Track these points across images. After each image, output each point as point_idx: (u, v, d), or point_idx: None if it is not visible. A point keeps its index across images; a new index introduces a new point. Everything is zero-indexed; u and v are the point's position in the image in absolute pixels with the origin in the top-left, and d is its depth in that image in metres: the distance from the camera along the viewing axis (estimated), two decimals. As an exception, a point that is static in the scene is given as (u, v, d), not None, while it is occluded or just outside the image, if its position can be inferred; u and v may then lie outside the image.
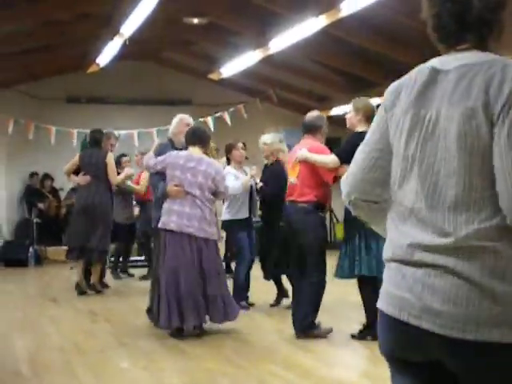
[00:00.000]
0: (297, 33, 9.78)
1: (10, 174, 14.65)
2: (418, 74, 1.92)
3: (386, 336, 1.95)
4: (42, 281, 11.03)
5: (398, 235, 1.90)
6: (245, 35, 11.83)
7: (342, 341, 6.19)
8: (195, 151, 6.45)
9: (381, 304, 1.93)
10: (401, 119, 1.91)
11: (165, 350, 5.95)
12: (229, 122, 13.21)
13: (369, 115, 6.16)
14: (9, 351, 6.03)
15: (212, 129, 13.27)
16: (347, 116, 6.50)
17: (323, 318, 6.40)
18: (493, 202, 1.73)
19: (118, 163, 9.95)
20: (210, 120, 13.69)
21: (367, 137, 2.05)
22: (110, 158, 9.16)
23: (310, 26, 9.38)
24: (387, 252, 1.94)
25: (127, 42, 10.68)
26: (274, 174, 7.81)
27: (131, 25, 9.78)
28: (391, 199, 1.97)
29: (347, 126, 6.44)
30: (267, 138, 8.02)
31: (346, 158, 6.08)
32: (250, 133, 10.86)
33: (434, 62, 1.90)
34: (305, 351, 5.83)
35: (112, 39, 10.63)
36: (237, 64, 12.44)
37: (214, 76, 13.71)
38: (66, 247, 12.93)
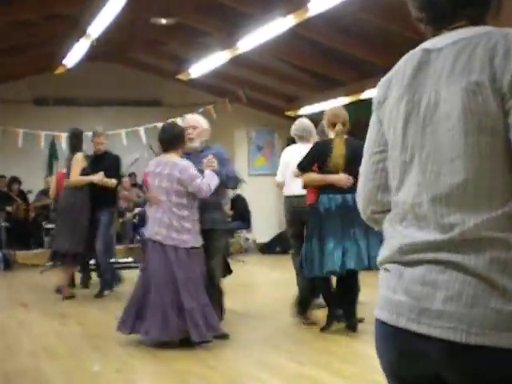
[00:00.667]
0: (265, 33, 9.78)
1: (-24, 178, 14.47)
2: (408, 59, 1.75)
3: (383, 347, 1.75)
4: (12, 285, 10.90)
5: (395, 236, 1.72)
6: (213, 35, 11.80)
7: (314, 339, 6.22)
8: (168, 155, 6.20)
9: (377, 311, 1.74)
10: (394, 109, 1.73)
11: (137, 353, 5.93)
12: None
13: (330, 122, 6.42)
14: (-22, 357, 5.97)
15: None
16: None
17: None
18: (505, 187, 1.54)
19: None
20: (179, 121, 13.64)
21: (365, 144, 1.89)
22: (77, 157, 9.16)
23: (278, 25, 9.38)
24: (383, 254, 1.76)
25: (94, 43, 10.60)
26: None
27: (98, 25, 9.70)
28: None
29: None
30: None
31: (303, 166, 6.40)
32: (219, 133, 10.84)
33: (425, 44, 1.73)
34: (277, 350, 5.84)
35: (79, 40, 10.55)
36: (205, 64, 12.41)
37: (182, 76, 13.67)
38: (35, 251, 12.95)
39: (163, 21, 11.55)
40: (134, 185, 14.69)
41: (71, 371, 5.42)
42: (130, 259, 11.95)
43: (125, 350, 6.01)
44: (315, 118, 12.72)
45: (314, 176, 6.37)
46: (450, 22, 1.70)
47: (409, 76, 1.71)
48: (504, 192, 1.54)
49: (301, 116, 15.35)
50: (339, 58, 12.16)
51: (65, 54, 11.64)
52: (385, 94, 1.79)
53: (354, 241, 6.09)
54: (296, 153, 6.97)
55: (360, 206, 1.91)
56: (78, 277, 9.95)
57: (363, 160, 1.88)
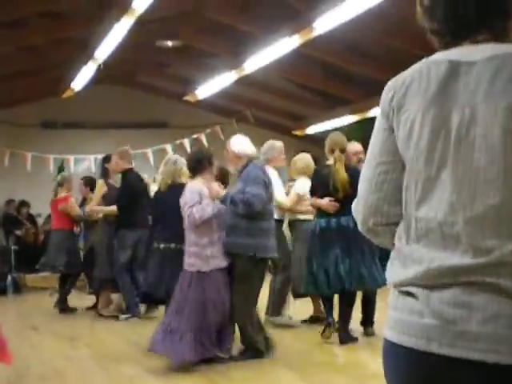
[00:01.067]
0: (271, 53, 9.85)
1: (-15, 201, 14.54)
2: (429, 67, 1.64)
3: (407, 375, 1.63)
4: (22, 308, 10.91)
5: (416, 256, 1.61)
6: (219, 56, 11.89)
7: (329, 359, 6.19)
8: (193, 181, 6.27)
9: (396, 337, 1.63)
10: (417, 121, 1.62)
11: (147, 374, 5.90)
12: (205, 144, 13.22)
13: (330, 148, 6.83)
14: (-11, 380, 5.96)
15: (189, 151, 13.28)
16: None
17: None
18: None
19: None
20: (186, 142, 13.72)
21: (369, 151, 1.77)
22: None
23: (283, 45, 9.45)
24: (400, 275, 1.64)
25: (101, 67, 10.69)
26: None
27: (105, 49, 9.79)
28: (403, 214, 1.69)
29: None
30: None
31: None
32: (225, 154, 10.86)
33: (449, 55, 1.64)
34: (289, 370, 5.80)
35: (86, 64, 10.64)
36: (212, 85, 12.48)
37: (189, 98, 13.75)
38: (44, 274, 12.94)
39: (169, 43, 11.65)
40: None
41: (81, 393, 5.40)
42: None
43: (135, 371, 5.99)
44: (322, 137, 12.74)
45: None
46: (474, 33, 1.64)
47: (435, 87, 1.62)
48: None
49: (308, 135, 15.44)
50: (345, 77, 12.21)
51: (72, 77, 11.74)
52: (400, 100, 1.68)
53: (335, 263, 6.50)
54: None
55: (360, 216, 1.78)
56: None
57: (367, 168, 1.77)
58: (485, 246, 1.50)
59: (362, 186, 1.77)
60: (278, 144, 7.90)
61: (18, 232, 13.89)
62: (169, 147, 13.53)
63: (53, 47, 11.09)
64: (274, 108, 15.13)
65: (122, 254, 8.82)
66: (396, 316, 1.63)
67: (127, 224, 8.74)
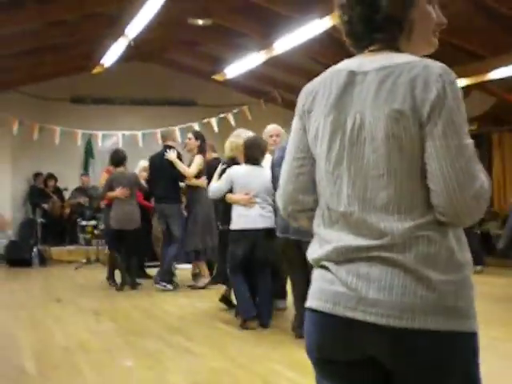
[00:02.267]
0: (301, 34, 9.81)
1: (14, 175, 14.71)
2: (333, 76, 1.91)
3: (317, 335, 1.90)
4: (47, 281, 11.05)
5: (328, 239, 1.87)
6: (249, 36, 11.86)
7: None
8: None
9: (312, 302, 1.89)
10: (321, 124, 1.88)
11: (169, 350, 5.98)
12: (233, 123, 13.23)
13: None
14: (14, 350, 6.07)
15: (216, 130, 13.32)
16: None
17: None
18: (423, 200, 1.75)
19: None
20: (213, 121, 13.75)
21: (287, 147, 2.03)
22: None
23: (314, 27, 9.41)
24: (316, 253, 1.91)
25: (132, 43, 10.72)
26: None
27: (136, 26, 9.81)
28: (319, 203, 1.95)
29: None
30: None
31: None
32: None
33: (349, 65, 1.89)
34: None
35: (117, 40, 10.67)
36: (241, 65, 12.47)
37: (218, 77, 13.75)
38: (70, 247, 13.08)
39: (200, 21, 11.64)
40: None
41: (104, 367, 5.49)
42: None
43: (157, 346, 6.07)
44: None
45: None
46: (367, 45, 1.89)
47: (335, 95, 1.87)
48: (423, 205, 1.76)
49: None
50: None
51: (103, 53, 11.79)
52: (310, 105, 1.94)
53: None
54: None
55: (281, 204, 2.06)
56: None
57: (285, 162, 2.04)
58: (379, 231, 1.76)
59: (281, 178, 2.05)
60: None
61: (45, 205, 14.05)
62: (196, 125, 13.56)
63: (83, 23, 11.13)
64: (302, 89, 15.09)
65: None
66: (314, 285, 1.91)
67: None
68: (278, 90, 14.50)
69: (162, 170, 9.45)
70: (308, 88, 1.99)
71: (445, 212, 1.73)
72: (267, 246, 6.70)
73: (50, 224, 13.82)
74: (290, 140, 2.02)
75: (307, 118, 1.95)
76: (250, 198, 6.71)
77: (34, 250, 12.99)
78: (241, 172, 6.87)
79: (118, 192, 9.47)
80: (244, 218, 6.71)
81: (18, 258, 12.84)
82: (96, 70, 13.00)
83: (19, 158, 14.52)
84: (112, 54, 11.73)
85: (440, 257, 1.73)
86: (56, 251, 13.51)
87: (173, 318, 7.36)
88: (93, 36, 12.05)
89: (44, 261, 13.07)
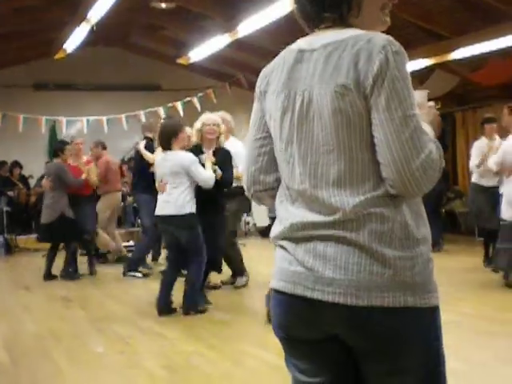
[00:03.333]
0: (265, 16, 9.79)
1: (-23, 163, 14.49)
2: (286, 55, 1.93)
3: (281, 315, 1.92)
4: (14, 269, 10.97)
5: (287, 216, 1.89)
6: (213, 19, 11.80)
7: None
8: None
9: (275, 283, 1.92)
10: (273, 103, 1.91)
11: (140, 334, 6.00)
12: (198, 107, 13.19)
13: None
14: (-16, 339, 6.04)
15: (181, 114, 13.26)
16: None
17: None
18: (374, 173, 1.76)
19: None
20: (179, 105, 13.69)
21: (249, 129, 2.07)
22: None
23: (277, 9, 9.39)
24: (275, 232, 1.94)
25: (94, 28, 10.61)
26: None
27: (98, 10, 9.71)
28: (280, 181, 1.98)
29: None
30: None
31: None
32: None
33: (300, 43, 1.91)
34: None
35: (79, 25, 10.56)
36: (205, 48, 12.41)
37: (182, 61, 13.67)
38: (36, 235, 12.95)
39: (163, 5, 11.57)
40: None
41: (76, 353, 5.48)
42: (131, 243, 11.99)
43: (128, 332, 6.07)
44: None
45: None
46: (317, 23, 1.89)
47: (285, 73, 1.89)
48: (374, 178, 1.76)
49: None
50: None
51: (65, 38, 11.66)
52: (265, 86, 1.97)
53: None
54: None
55: (245, 185, 2.10)
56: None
57: (247, 143, 2.07)
58: (331, 207, 1.78)
59: (244, 158, 2.09)
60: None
61: (10, 193, 13.89)
62: (161, 110, 13.51)
63: (45, 8, 11.00)
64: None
65: None
66: (276, 265, 1.94)
67: None
68: (243, 73, 14.47)
69: (135, 161, 9.75)
70: (264, 70, 2.01)
71: (393, 184, 1.73)
72: (177, 233, 6.55)
73: (16, 212, 13.67)
74: (251, 121, 2.05)
75: (264, 99, 1.98)
76: (161, 185, 6.64)
77: (0, 238, 12.86)
78: (157, 160, 6.92)
79: (43, 183, 9.67)
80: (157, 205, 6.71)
81: (-16, 247, 12.70)
82: (58, 56, 12.83)
83: (-18, 146, 14.33)
84: (75, 39, 11.60)
85: (394, 233, 1.74)
86: (22, 239, 13.37)
87: (143, 303, 7.36)
88: (55, 21, 11.90)
89: (10, 249, 12.94)
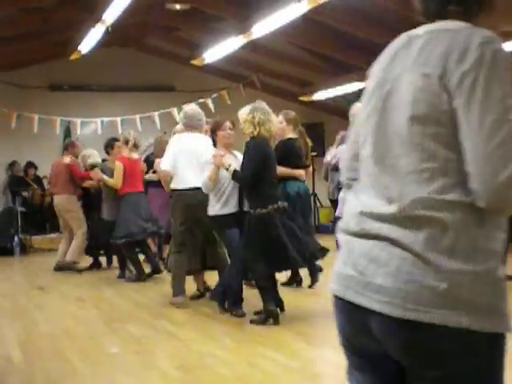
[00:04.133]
0: (280, 18, 9.80)
1: (-8, 164, 14.59)
2: (397, 39, 1.82)
3: (338, 321, 1.83)
4: (28, 269, 11.01)
5: (353, 204, 1.79)
6: (227, 21, 11.82)
7: (331, 323, 6.26)
8: None
9: (330, 285, 1.81)
10: (367, 85, 1.83)
11: (155, 334, 6.01)
12: (212, 108, 13.20)
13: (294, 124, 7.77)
14: (-1, 339, 6.07)
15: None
16: (279, 126, 7.24)
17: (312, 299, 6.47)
18: (446, 174, 1.60)
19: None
20: (193, 106, 13.68)
21: None
22: None
23: (292, 11, 9.40)
24: (341, 223, 1.83)
25: (109, 29, 10.65)
26: None
27: (113, 11, 9.75)
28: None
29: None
30: None
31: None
32: (233, 119, 10.90)
33: (415, 29, 1.79)
34: (294, 333, 5.89)
35: (94, 26, 10.60)
36: (220, 50, 12.43)
37: (196, 62, 13.69)
38: (51, 235, 12.99)
39: (178, 6, 11.59)
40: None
41: (90, 353, 5.49)
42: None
43: (143, 333, 6.08)
44: (329, 103, 12.70)
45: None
46: (438, 17, 1.75)
47: (387, 58, 1.79)
48: (445, 179, 1.60)
49: (314, 101, 15.40)
50: (353, 43, 12.15)
51: (80, 39, 11.71)
52: (370, 72, 1.87)
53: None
54: (190, 141, 7.03)
55: (342, 172, 2.01)
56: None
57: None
58: (390, 196, 1.65)
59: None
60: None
61: (25, 193, 13.95)
62: (175, 111, 13.53)
63: (60, 9, 11.03)
64: (280, 74, 15.08)
65: None
66: (335, 266, 1.82)
67: None
68: (256, 74, 14.47)
69: None
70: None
71: (479, 198, 1.56)
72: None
73: (31, 213, 13.71)
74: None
75: (368, 83, 1.87)
76: None
77: (15, 238, 12.91)
78: None
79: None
80: None
81: (-1, 247, 12.76)
82: (74, 57, 12.89)
83: (-3, 147, 14.40)
84: (90, 40, 11.65)
85: (457, 243, 1.57)
86: (37, 240, 13.42)
87: (157, 303, 7.37)
88: (70, 22, 11.94)
89: (25, 249, 12.99)
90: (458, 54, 1.59)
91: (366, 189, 1.76)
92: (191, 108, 7.50)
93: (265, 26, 10.37)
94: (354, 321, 1.73)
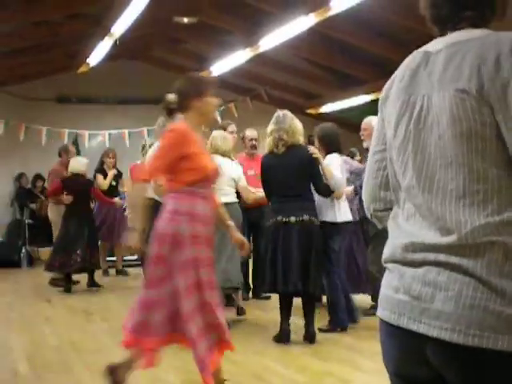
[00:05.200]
0: (287, 31, 9.83)
1: (1, 176, 14.62)
2: (410, 59, 1.76)
3: (386, 346, 1.76)
4: (36, 282, 11.00)
5: (398, 234, 1.71)
6: (235, 34, 11.86)
7: (337, 337, 6.26)
8: None
9: (379, 311, 1.76)
10: (392, 108, 1.75)
11: (162, 348, 5.98)
12: (219, 121, 13.20)
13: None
14: (6, 351, 6.07)
15: (202, 127, 13.28)
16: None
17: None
18: (501, 193, 1.53)
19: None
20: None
21: (372, 141, 1.92)
22: None
23: (299, 24, 9.43)
24: (386, 253, 1.75)
25: (117, 42, 10.70)
26: None
27: (122, 24, 9.80)
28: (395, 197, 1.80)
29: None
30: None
31: None
32: (240, 131, 10.92)
33: (427, 46, 1.74)
34: (301, 346, 5.88)
35: (102, 39, 10.65)
36: (227, 63, 12.48)
37: (204, 75, 13.72)
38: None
39: (185, 19, 11.63)
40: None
41: (97, 365, 5.46)
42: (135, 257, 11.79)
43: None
44: (336, 116, 12.65)
45: None
46: (451, 24, 1.70)
47: (407, 77, 1.72)
48: (500, 199, 1.53)
49: (321, 114, 15.41)
50: (361, 56, 12.18)
51: (88, 52, 11.76)
52: (387, 93, 1.81)
53: None
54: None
55: (365, 204, 1.93)
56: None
57: (368, 157, 1.92)
58: (446, 227, 1.56)
59: (365, 173, 1.92)
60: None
61: (33, 205, 13.98)
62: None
63: (69, 22, 11.08)
64: (288, 86, 15.12)
65: None
66: (381, 291, 1.75)
67: None
68: (264, 87, 14.50)
69: None
70: (389, 80, 1.84)
71: None
72: None
73: (38, 225, 13.73)
74: (373, 134, 1.90)
75: (384, 107, 1.81)
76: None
77: (23, 250, 12.94)
78: None
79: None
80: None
81: (6, 259, 12.76)
82: (82, 70, 12.97)
83: (5, 159, 14.44)
84: (98, 53, 11.71)
85: None
86: (45, 252, 13.40)
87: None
88: (78, 35, 12.00)
89: (32, 262, 13.02)
90: (491, 63, 1.53)
91: (414, 219, 1.68)
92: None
93: (272, 39, 10.41)
94: (408, 348, 1.67)
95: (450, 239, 1.56)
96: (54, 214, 10.25)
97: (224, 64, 12.62)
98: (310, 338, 5.97)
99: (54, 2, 9.78)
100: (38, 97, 14.48)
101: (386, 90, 1.82)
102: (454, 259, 1.55)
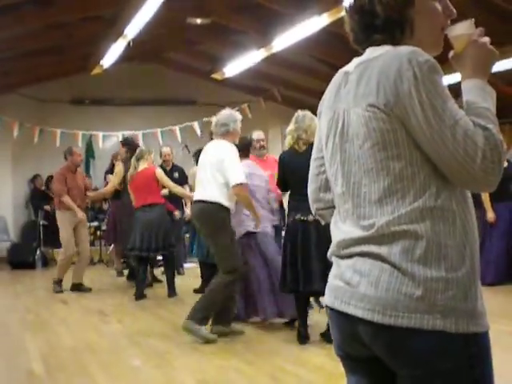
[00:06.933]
0: (300, 31, 9.81)
1: (15, 177, 14.68)
2: (335, 78, 1.98)
3: (332, 331, 1.97)
4: (51, 283, 11.03)
5: (337, 234, 1.93)
6: (248, 34, 11.86)
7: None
8: None
9: (325, 298, 1.97)
10: (323, 123, 1.99)
11: (176, 348, 6.00)
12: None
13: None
14: (22, 352, 6.09)
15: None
16: None
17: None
18: (415, 186, 1.73)
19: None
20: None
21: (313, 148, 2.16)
22: None
23: (312, 24, 9.41)
24: (330, 249, 1.97)
25: (131, 44, 10.71)
26: None
27: (135, 26, 9.80)
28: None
29: None
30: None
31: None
32: (253, 131, 10.94)
33: (348, 65, 1.94)
34: (316, 347, 5.87)
35: (116, 41, 10.67)
36: (240, 63, 12.46)
37: (217, 76, 13.74)
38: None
39: (198, 21, 11.63)
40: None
41: (112, 366, 5.50)
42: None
43: (164, 346, 6.09)
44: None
45: None
46: (366, 45, 1.91)
47: (332, 95, 1.95)
48: (416, 191, 1.73)
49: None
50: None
51: (102, 54, 11.77)
52: (320, 108, 2.04)
53: None
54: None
55: (310, 205, 2.19)
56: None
57: (311, 163, 2.16)
58: (368, 224, 1.79)
59: (309, 179, 2.17)
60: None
61: (47, 207, 14.04)
62: (196, 125, 13.58)
63: (82, 24, 11.12)
64: (301, 87, 15.08)
65: None
66: (328, 282, 1.96)
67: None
68: (277, 87, 14.49)
69: None
70: (325, 92, 2.05)
71: (466, 187, 1.77)
72: None
73: (53, 226, 13.78)
74: (314, 141, 2.14)
75: (320, 119, 2.04)
76: None
77: (37, 252, 13.00)
78: None
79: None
80: None
81: (21, 260, 12.83)
82: (95, 71, 12.99)
83: (20, 161, 14.50)
84: (111, 55, 11.72)
85: (429, 252, 1.70)
86: (59, 253, 13.47)
87: (179, 318, 7.36)
88: (92, 37, 12.04)
89: (47, 263, 13.07)
90: (392, 78, 1.71)
91: (345, 219, 1.90)
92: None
93: (285, 40, 10.39)
94: (345, 329, 1.87)
95: (371, 232, 1.77)
96: (59, 219, 10.24)
97: (237, 65, 12.61)
98: (327, 337, 5.92)
99: (68, 5, 9.81)
100: (52, 99, 14.53)
101: (320, 106, 2.04)
102: (373, 248, 1.76)
